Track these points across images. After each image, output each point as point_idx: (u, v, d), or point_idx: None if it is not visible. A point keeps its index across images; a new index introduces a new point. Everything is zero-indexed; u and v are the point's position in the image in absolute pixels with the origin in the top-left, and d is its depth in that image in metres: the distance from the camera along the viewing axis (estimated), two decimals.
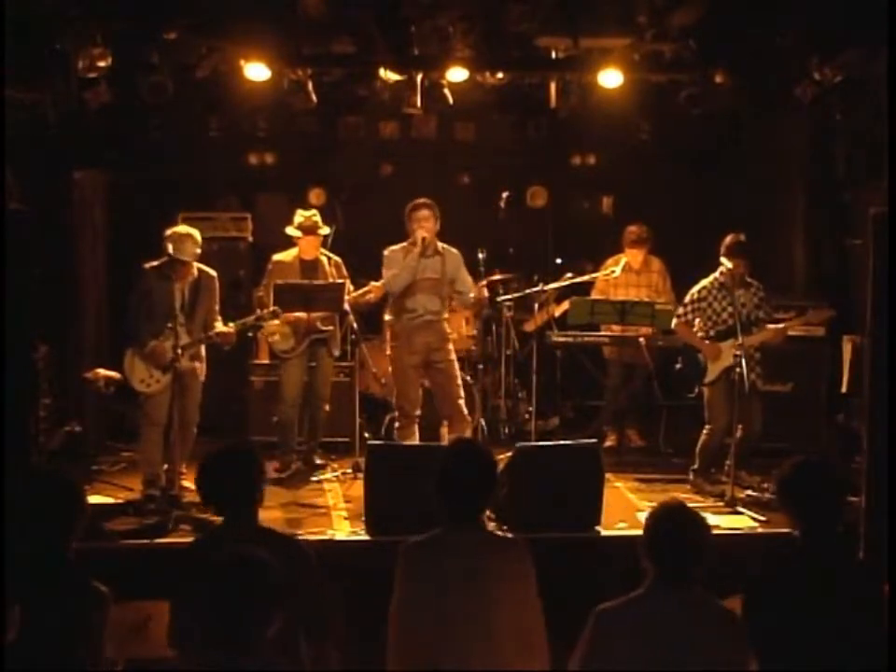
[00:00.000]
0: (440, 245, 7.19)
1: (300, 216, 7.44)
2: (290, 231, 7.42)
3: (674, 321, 7.32)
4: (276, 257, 7.53)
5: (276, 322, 7.26)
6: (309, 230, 7.37)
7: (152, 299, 6.69)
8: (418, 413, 7.19)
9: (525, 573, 3.79)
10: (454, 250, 7.26)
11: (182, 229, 6.82)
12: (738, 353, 6.67)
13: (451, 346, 7.27)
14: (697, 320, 7.17)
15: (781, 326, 7.10)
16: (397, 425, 7.23)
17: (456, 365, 7.28)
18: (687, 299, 7.22)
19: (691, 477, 7.18)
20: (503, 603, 3.70)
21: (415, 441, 7.09)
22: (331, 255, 7.69)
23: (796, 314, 7.43)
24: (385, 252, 7.21)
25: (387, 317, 7.35)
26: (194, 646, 3.26)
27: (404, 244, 7.17)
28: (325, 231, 7.48)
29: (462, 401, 7.18)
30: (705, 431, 7.12)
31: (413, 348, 7.09)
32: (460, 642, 3.65)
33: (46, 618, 3.42)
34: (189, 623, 3.49)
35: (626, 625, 3.39)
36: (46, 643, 3.41)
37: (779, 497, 3.86)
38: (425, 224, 7.04)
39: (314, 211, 7.53)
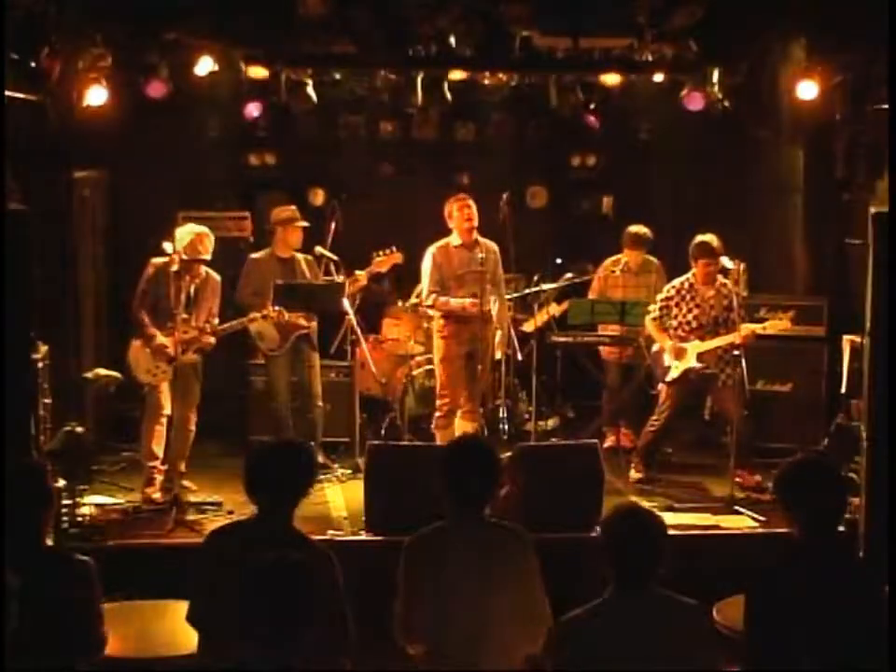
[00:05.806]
0: (481, 240, 7.30)
1: (278, 209, 7.58)
2: (272, 223, 7.55)
3: (647, 318, 7.41)
4: (253, 256, 7.64)
5: (259, 321, 7.28)
6: (288, 220, 7.48)
7: (159, 293, 6.73)
8: (461, 406, 7.28)
9: (527, 559, 3.87)
10: (493, 245, 7.40)
11: (200, 228, 6.87)
12: (738, 353, 6.71)
13: (493, 339, 7.39)
14: (674, 320, 7.29)
15: (743, 332, 6.96)
16: (437, 414, 7.31)
17: (488, 361, 7.36)
18: (659, 297, 7.37)
19: (633, 461, 7.41)
20: (506, 589, 3.78)
21: (452, 434, 7.08)
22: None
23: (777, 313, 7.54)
24: (430, 251, 7.31)
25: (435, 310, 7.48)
26: (221, 636, 3.32)
27: (443, 242, 7.27)
28: (303, 223, 7.55)
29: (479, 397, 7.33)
30: (650, 426, 7.33)
31: (462, 338, 7.23)
32: (465, 629, 3.73)
33: (33, 602, 3.41)
34: (214, 612, 3.57)
35: (592, 634, 3.37)
36: (36, 626, 3.40)
37: (779, 496, 3.85)
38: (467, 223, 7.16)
39: (293, 207, 7.63)
